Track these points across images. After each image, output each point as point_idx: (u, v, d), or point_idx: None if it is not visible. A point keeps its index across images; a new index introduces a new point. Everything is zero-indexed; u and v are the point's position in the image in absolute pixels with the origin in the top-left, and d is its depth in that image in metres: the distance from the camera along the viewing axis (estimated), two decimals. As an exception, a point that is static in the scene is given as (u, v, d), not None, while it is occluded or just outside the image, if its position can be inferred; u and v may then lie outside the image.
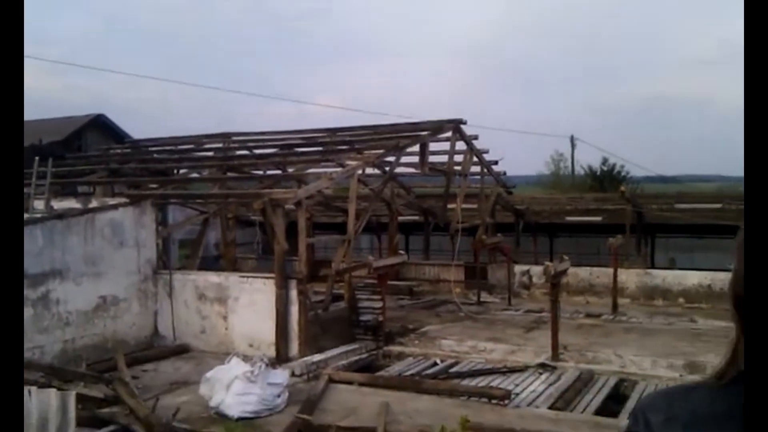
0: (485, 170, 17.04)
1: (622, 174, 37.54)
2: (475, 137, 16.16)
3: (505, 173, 18.46)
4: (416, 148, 14.35)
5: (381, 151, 13.47)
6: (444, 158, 15.81)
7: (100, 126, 25.53)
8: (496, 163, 17.59)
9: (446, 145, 15.60)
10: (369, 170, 14.67)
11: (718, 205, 18.85)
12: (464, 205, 17.72)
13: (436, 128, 15.01)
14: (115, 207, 12.12)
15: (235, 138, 17.56)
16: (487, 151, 16.94)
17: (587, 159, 58.12)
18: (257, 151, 16.45)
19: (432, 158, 15.20)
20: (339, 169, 12.63)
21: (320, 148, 14.85)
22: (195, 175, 15.62)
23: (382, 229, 19.41)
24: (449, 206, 17.67)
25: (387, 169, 14.58)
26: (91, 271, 11.05)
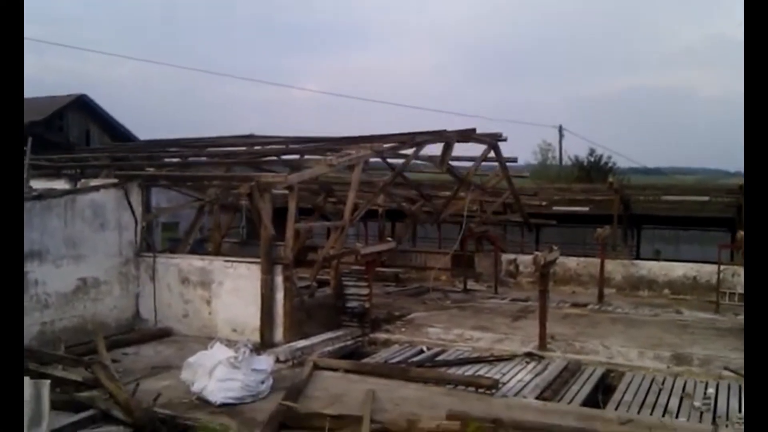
0: (511, 190, 16.98)
1: (609, 165, 37.70)
2: (514, 160, 16.14)
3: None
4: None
5: (393, 144, 13.10)
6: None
7: (82, 106, 25.05)
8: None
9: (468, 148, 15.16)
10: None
11: (705, 198, 18.92)
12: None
13: (464, 135, 14.36)
14: (96, 188, 11.83)
15: (259, 140, 17.06)
16: (515, 160, 16.81)
17: (574, 149, 58.30)
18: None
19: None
20: (339, 158, 12.16)
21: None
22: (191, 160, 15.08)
23: (370, 216, 19.22)
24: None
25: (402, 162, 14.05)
26: (71, 253, 10.79)
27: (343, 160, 11.86)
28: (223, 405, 7.64)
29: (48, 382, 5.00)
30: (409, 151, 13.47)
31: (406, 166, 14.16)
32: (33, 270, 10.08)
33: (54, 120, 23.49)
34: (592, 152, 38.68)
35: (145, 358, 9.97)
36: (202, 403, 7.73)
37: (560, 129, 40.87)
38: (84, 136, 24.45)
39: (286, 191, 11.30)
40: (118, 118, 25.42)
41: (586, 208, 19.58)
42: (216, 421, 6.99)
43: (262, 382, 8.15)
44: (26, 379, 4.93)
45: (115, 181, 12.04)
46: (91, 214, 11.20)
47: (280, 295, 10.80)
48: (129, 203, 11.93)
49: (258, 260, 11.00)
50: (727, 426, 7.32)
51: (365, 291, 11.88)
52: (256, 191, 10.83)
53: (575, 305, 14.53)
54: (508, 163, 16.72)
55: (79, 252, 10.91)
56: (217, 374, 7.87)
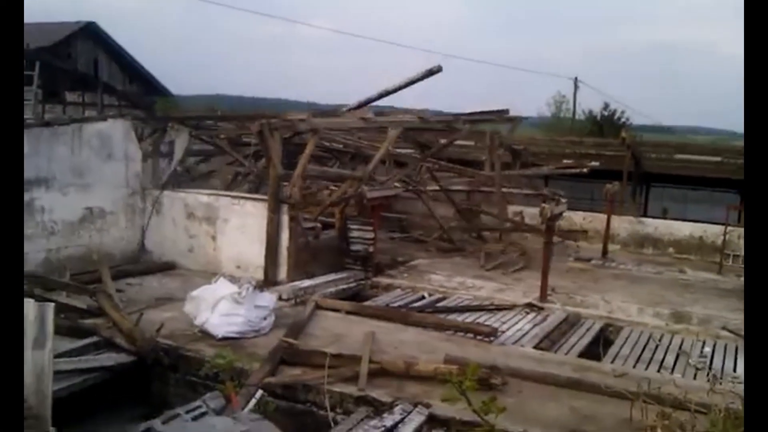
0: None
1: (622, 120, 37.20)
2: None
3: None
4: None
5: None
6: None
7: (91, 34, 24.70)
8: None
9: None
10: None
11: (718, 159, 18.68)
12: (462, 141, 17.47)
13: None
14: (103, 118, 11.81)
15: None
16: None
17: (588, 103, 57.42)
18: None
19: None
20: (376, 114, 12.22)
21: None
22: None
23: (381, 162, 19.07)
24: (442, 140, 17.47)
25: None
26: (78, 182, 10.78)
27: (381, 119, 11.73)
28: (225, 338, 7.75)
29: (52, 305, 5.04)
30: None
31: (452, 141, 14.72)
32: (39, 197, 10.11)
33: (62, 47, 23.18)
34: (606, 106, 38.16)
35: (149, 290, 10.08)
36: (205, 335, 7.84)
37: (575, 81, 40.14)
38: (92, 64, 24.18)
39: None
40: (128, 48, 25.07)
41: (597, 163, 19.34)
42: (220, 354, 7.09)
43: (264, 319, 8.24)
44: (31, 302, 4.98)
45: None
46: (98, 144, 11.14)
47: (285, 235, 10.81)
48: (172, 145, 12.34)
49: (264, 198, 11.00)
50: (720, 383, 7.39)
51: (370, 235, 11.88)
52: (267, 129, 10.74)
53: (579, 259, 14.54)
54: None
55: (85, 181, 10.90)
56: (220, 308, 7.96)
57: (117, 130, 11.51)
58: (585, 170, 17.15)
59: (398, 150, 18.72)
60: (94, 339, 7.38)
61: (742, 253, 14.36)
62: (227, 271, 10.62)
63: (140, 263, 11.63)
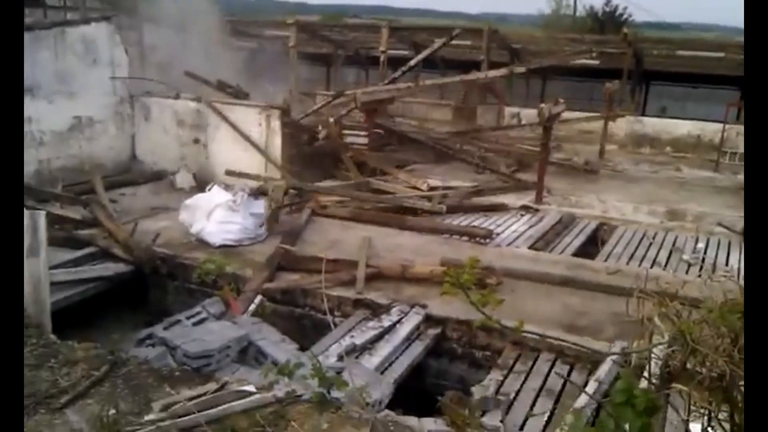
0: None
1: (625, 17, 35.99)
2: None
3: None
4: None
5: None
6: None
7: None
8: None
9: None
10: None
11: (721, 54, 18.15)
12: (458, 42, 16.92)
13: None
14: (86, 21, 11.30)
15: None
16: None
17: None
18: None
19: None
20: None
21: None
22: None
23: (372, 63, 18.60)
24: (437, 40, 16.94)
25: None
26: (63, 90, 10.49)
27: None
28: (222, 246, 7.78)
29: (43, 212, 4.96)
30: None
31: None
32: (25, 105, 9.83)
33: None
34: (608, 2, 36.75)
35: (143, 199, 10.05)
36: (201, 244, 7.86)
37: (577, -26, 38.45)
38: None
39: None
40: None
41: (597, 62, 18.83)
42: (216, 259, 7.13)
43: (261, 226, 8.24)
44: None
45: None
46: (82, 49, 10.75)
47: (278, 141, 10.65)
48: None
49: (255, 104, 10.75)
50: (711, 278, 7.49)
51: (364, 140, 11.72)
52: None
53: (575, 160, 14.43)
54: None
55: (71, 89, 10.60)
56: (216, 216, 7.93)
57: (101, 34, 11.07)
58: (593, 55, 16.69)
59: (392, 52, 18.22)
60: (91, 249, 7.40)
61: (740, 151, 14.27)
62: (220, 179, 10.53)
63: (132, 172, 11.51)
